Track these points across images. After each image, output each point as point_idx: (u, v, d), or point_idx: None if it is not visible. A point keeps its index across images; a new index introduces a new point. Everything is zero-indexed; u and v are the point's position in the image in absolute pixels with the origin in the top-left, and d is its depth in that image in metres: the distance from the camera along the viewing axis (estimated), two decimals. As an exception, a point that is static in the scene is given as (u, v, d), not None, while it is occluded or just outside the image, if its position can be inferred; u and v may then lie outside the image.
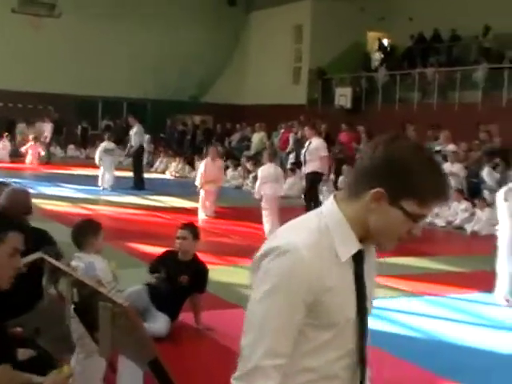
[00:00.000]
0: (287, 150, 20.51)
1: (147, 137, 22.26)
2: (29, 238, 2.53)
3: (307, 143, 12.45)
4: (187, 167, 21.97)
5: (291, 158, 19.83)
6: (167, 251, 6.03)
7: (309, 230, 1.69)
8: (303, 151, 12.53)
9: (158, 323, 5.52)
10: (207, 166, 12.76)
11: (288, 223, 1.80)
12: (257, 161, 18.51)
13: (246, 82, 29.98)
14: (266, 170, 11.20)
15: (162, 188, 17.50)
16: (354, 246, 1.72)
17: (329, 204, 1.76)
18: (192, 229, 5.86)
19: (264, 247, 1.72)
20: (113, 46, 27.69)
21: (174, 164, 22.46)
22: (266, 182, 11.00)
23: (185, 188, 17.60)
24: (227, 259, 8.88)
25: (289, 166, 18.70)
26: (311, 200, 12.27)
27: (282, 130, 21.89)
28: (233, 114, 28.13)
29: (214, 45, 29.05)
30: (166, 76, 28.01)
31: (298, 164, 17.27)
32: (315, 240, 1.67)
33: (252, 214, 11.50)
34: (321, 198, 13.20)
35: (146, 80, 27.98)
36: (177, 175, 21.71)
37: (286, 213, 11.82)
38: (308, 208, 12.11)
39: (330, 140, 20.49)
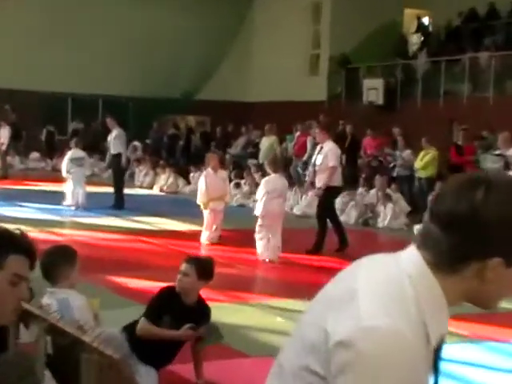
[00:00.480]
0: (304, 158, 20.51)
1: (133, 144, 22.29)
2: (34, 261, 2.51)
3: (317, 149, 12.41)
4: (180, 180, 22.03)
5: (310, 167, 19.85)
6: (167, 291, 5.71)
7: (406, 304, 1.72)
8: (312, 160, 12.43)
9: (144, 382, 5.21)
10: (209, 180, 12.63)
11: (371, 285, 1.77)
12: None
13: (250, 75, 30.14)
14: (273, 182, 11.24)
15: (149, 207, 17.52)
16: (445, 325, 1.80)
17: (417, 264, 1.77)
18: (198, 265, 5.61)
19: (347, 327, 1.68)
20: (86, 29, 27.82)
21: (163, 177, 22.52)
22: (273, 198, 11.05)
23: (177, 206, 17.59)
24: (231, 294, 8.94)
25: (307, 178, 18.66)
26: (324, 223, 12.11)
27: (298, 133, 21.95)
28: (235, 113, 28.20)
29: (212, 28, 29.15)
30: (152, 67, 28.17)
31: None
32: (413, 319, 1.71)
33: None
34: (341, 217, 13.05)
35: (128, 72, 28.14)
36: (167, 190, 21.76)
37: (304, 235, 11.80)
38: (322, 232, 11.98)
39: (355, 144, 20.59)
